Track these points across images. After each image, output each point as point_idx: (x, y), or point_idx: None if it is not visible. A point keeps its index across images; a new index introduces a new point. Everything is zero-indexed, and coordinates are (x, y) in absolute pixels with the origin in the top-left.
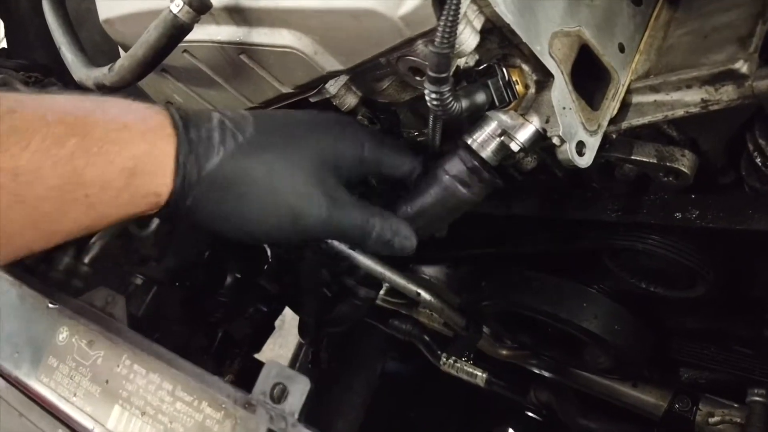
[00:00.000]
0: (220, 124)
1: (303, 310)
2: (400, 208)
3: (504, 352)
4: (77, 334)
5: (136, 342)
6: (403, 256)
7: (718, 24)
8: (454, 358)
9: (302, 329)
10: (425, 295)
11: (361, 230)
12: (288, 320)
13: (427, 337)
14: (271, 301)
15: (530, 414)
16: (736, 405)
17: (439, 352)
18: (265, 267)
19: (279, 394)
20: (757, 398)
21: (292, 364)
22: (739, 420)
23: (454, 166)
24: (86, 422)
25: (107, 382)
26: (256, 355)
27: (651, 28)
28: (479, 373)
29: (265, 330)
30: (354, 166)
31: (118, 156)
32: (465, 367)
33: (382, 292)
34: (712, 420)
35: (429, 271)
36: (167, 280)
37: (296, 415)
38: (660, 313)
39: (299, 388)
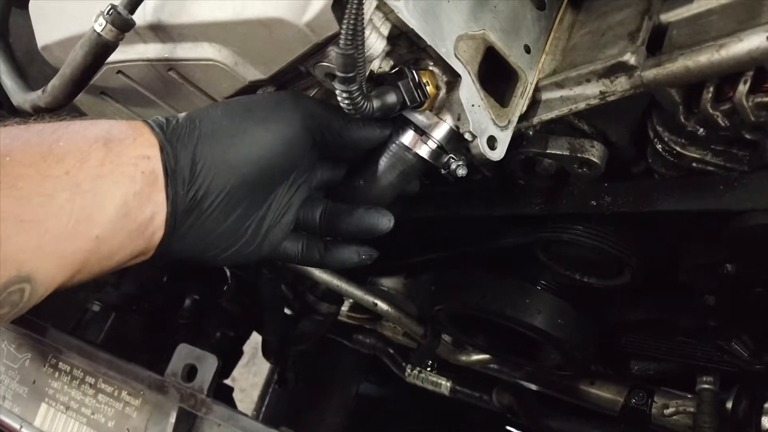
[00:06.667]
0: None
1: (265, 329)
2: (353, 181)
3: (464, 358)
4: (6, 340)
5: (60, 340)
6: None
7: (612, 22)
8: (418, 369)
9: (265, 349)
10: (382, 304)
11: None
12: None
13: (391, 350)
14: (237, 325)
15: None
16: (689, 396)
17: (403, 364)
18: (225, 288)
19: (189, 374)
20: (706, 386)
21: (265, 390)
22: (692, 409)
23: (398, 134)
24: (14, 423)
25: (34, 382)
26: (226, 381)
27: (556, 30)
28: (443, 382)
29: (232, 355)
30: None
31: (86, 130)
32: (429, 377)
33: (345, 308)
34: (666, 411)
35: (387, 282)
36: (125, 305)
37: (205, 392)
38: (604, 306)
39: (208, 366)
